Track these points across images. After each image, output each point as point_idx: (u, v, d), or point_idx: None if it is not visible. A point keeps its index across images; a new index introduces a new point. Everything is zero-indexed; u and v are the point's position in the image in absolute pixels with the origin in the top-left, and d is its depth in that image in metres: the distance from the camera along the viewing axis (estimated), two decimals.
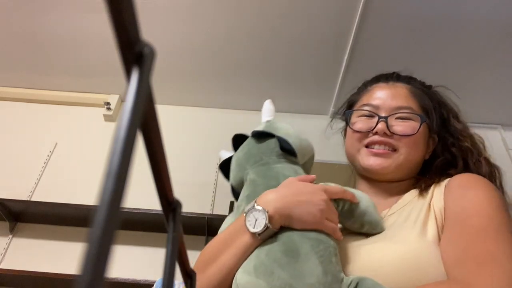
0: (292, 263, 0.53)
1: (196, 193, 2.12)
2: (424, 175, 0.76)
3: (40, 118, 2.41)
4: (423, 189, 0.69)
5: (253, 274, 0.54)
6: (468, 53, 2.05)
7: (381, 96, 0.78)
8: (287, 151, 0.71)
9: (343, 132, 0.89)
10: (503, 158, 2.38)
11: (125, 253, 1.92)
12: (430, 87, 0.84)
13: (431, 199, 0.66)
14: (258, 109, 2.56)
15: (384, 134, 0.73)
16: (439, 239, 0.59)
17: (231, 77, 2.29)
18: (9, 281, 1.80)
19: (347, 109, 0.87)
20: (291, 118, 2.50)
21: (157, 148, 0.17)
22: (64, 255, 1.90)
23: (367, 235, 0.65)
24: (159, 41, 2.03)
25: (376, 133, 0.73)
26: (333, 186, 0.64)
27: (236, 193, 0.76)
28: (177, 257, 0.22)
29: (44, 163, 2.21)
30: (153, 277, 1.66)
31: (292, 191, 0.60)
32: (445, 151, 0.75)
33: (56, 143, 2.29)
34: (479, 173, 0.70)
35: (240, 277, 0.56)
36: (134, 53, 0.14)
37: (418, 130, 0.72)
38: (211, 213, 1.97)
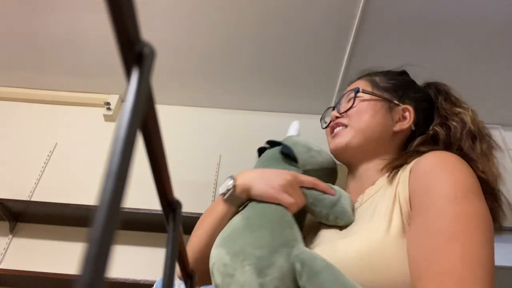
0: (247, 233, 0.59)
1: (196, 193, 2.12)
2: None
3: (40, 118, 2.40)
4: (392, 174, 0.67)
5: (219, 247, 0.60)
6: (468, 53, 2.05)
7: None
8: (287, 155, 0.74)
9: None
10: (503, 158, 2.38)
11: (125, 253, 1.92)
12: (402, 73, 0.88)
13: (397, 186, 0.63)
14: (258, 109, 2.57)
15: (336, 118, 0.80)
16: (404, 229, 0.57)
17: (232, 77, 2.29)
18: (9, 281, 1.80)
19: None
20: (291, 118, 2.49)
21: (157, 148, 0.17)
22: (64, 255, 1.90)
23: (341, 228, 0.66)
24: (159, 41, 2.03)
25: (333, 121, 0.81)
26: (309, 177, 0.68)
27: None
28: (177, 257, 0.22)
29: (44, 163, 2.21)
30: (153, 277, 1.66)
31: (265, 171, 0.69)
32: (429, 130, 0.75)
33: (56, 143, 2.29)
34: (459, 147, 0.69)
35: (211, 251, 0.62)
36: (134, 53, 0.14)
37: (354, 101, 0.77)
38: None
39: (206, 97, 2.45)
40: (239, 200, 0.67)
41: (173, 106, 2.47)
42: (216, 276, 0.57)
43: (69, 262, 1.82)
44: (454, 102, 0.77)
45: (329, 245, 0.62)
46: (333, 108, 0.84)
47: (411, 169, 0.63)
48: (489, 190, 0.64)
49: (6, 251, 1.91)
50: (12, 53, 2.21)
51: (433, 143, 0.72)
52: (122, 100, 2.43)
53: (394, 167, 0.68)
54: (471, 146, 0.69)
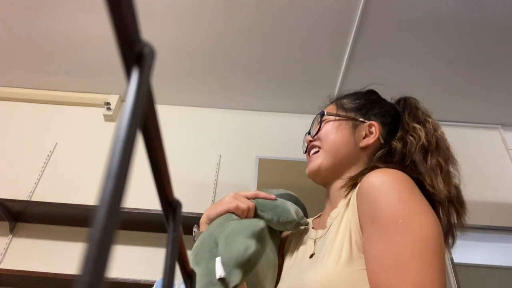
0: (196, 248, 0.69)
1: (196, 193, 2.12)
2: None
3: (40, 118, 2.41)
4: (348, 196, 0.69)
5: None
6: (468, 54, 2.05)
7: None
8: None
9: None
10: (503, 158, 2.38)
11: (125, 253, 1.92)
12: (368, 92, 0.90)
13: (349, 210, 0.67)
14: (258, 109, 2.58)
15: (310, 142, 0.84)
16: (351, 256, 0.60)
17: (231, 77, 2.29)
18: (9, 281, 1.81)
19: None
20: (291, 118, 2.50)
21: (157, 148, 0.17)
22: (64, 255, 1.90)
23: (311, 256, 0.70)
24: (159, 41, 2.03)
25: (307, 145, 0.86)
26: (250, 191, 0.79)
27: None
28: (177, 257, 0.22)
29: (44, 163, 2.21)
30: (153, 277, 1.66)
31: (214, 204, 0.77)
32: (388, 144, 0.78)
33: (56, 143, 2.30)
34: (412, 161, 0.71)
35: None
36: (134, 53, 0.14)
37: (320, 124, 0.83)
38: None
39: (206, 97, 2.45)
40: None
41: (173, 106, 2.47)
42: None
43: (69, 262, 1.83)
44: (418, 116, 0.79)
45: (297, 277, 0.67)
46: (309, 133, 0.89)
47: (357, 193, 0.65)
48: (439, 204, 0.66)
49: (6, 251, 1.91)
50: (12, 53, 2.21)
51: (390, 157, 0.75)
52: (122, 100, 2.43)
53: (350, 187, 0.71)
54: (421, 161, 0.71)
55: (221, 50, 2.12)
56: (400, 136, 0.76)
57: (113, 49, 2.06)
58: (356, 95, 0.87)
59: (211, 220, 0.73)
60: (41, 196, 2.05)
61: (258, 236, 0.56)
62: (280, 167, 2.25)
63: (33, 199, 2.04)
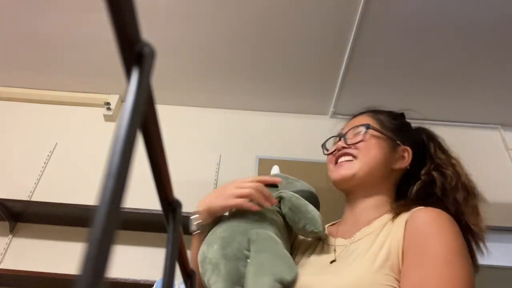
0: (219, 228, 0.72)
1: (196, 193, 2.11)
2: (401, 193, 0.82)
3: (40, 118, 2.40)
4: (391, 221, 0.72)
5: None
6: (468, 54, 2.04)
7: (347, 124, 0.91)
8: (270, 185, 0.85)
9: None
10: (503, 158, 2.38)
11: (125, 253, 1.92)
12: (402, 115, 0.93)
13: (390, 232, 0.69)
14: (258, 109, 2.58)
15: (343, 148, 0.84)
16: (384, 265, 0.64)
17: (231, 77, 2.29)
18: (9, 281, 1.80)
19: None
20: (291, 118, 2.50)
21: (157, 148, 0.17)
22: (64, 255, 1.90)
23: (331, 261, 0.72)
24: (159, 41, 2.03)
25: (338, 150, 0.86)
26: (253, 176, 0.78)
27: None
28: (177, 257, 0.22)
29: (44, 163, 2.21)
30: (153, 277, 1.66)
31: (218, 189, 0.77)
32: (426, 174, 0.81)
33: (56, 143, 2.29)
34: (454, 198, 0.75)
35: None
36: (134, 53, 0.14)
37: (365, 135, 0.83)
38: None
39: (206, 97, 2.45)
40: (209, 225, 0.75)
41: (173, 106, 2.47)
42: (200, 269, 0.67)
43: (69, 262, 1.82)
44: (446, 151, 0.84)
45: (316, 278, 0.69)
46: (339, 138, 0.88)
47: (407, 220, 0.68)
48: (479, 240, 0.72)
49: (6, 251, 1.91)
50: (12, 53, 2.20)
51: (430, 189, 0.78)
52: (122, 100, 2.43)
53: (397, 213, 0.73)
54: (465, 200, 0.76)
55: (221, 50, 2.12)
56: (433, 167, 0.80)
57: (113, 49, 2.06)
58: (392, 115, 0.90)
59: (215, 215, 0.74)
60: (41, 196, 2.05)
61: (285, 285, 0.58)
62: (280, 167, 2.24)
63: (33, 199, 2.04)
